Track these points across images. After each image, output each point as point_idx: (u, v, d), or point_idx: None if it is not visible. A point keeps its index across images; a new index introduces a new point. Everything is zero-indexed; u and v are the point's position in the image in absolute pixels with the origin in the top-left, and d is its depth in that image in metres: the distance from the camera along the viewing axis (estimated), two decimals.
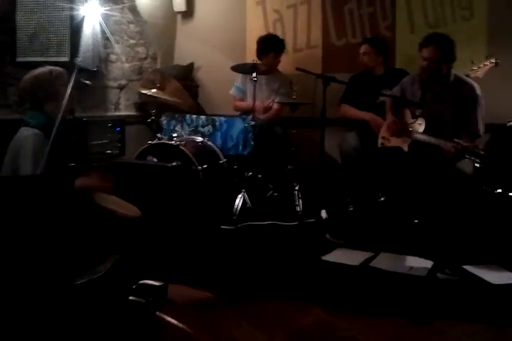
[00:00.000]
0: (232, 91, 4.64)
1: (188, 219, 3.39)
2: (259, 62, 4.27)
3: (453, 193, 3.30)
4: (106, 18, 4.02)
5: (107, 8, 3.97)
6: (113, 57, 4.54)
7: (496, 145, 3.71)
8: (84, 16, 3.66)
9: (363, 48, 4.24)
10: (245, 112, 4.55)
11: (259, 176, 4.10)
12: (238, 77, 4.57)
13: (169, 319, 2.28)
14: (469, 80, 3.49)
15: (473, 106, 3.43)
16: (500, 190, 3.36)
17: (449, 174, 3.34)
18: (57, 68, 2.54)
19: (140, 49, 4.90)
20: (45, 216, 2.06)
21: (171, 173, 3.44)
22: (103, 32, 4.05)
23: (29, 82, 2.45)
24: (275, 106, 4.42)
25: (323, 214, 3.81)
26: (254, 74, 4.03)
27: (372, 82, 4.17)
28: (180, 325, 2.25)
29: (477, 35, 4.15)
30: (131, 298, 2.27)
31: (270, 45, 4.48)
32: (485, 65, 3.46)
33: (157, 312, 2.31)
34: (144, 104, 4.78)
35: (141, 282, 2.40)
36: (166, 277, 2.67)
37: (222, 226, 3.70)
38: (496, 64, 3.39)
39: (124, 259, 2.18)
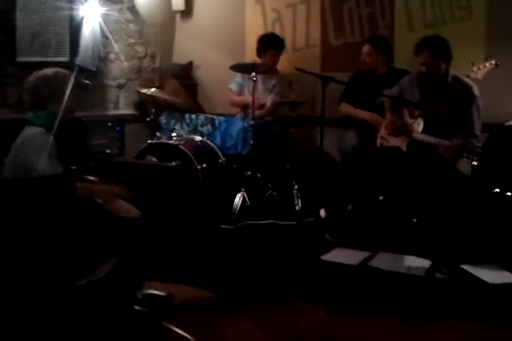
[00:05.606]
0: (231, 85, 4.64)
1: (187, 219, 3.40)
2: (258, 61, 4.27)
3: (451, 193, 3.32)
4: (105, 17, 4.02)
5: (106, 8, 3.98)
6: (112, 56, 4.54)
7: (495, 145, 3.72)
8: (83, 16, 3.67)
9: (365, 48, 4.20)
10: (243, 110, 4.57)
11: (258, 175, 4.11)
12: (238, 73, 4.58)
13: (174, 328, 2.29)
14: (467, 81, 3.50)
15: (469, 107, 3.45)
16: (498, 190, 3.37)
17: (447, 174, 3.36)
18: (63, 70, 2.51)
19: (139, 48, 4.90)
20: (47, 218, 2.07)
21: (171, 173, 3.45)
22: (102, 31, 4.05)
23: (35, 81, 2.42)
24: (268, 103, 4.43)
25: (322, 213, 3.82)
26: (253, 74, 4.03)
27: (375, 82, 4.15)
28: (185, 334, 2.27)
29: (476, 35, 4.13)
30: (136, 307, 2.29)
31: (270, 43, 4.50)
32: (485, 67, 3.46)
33: (162, 322, 2.33)
34: (143, 103, 4.79)
35: (146, 292, 2.44)
36: (167, 277, 2.71)
37: (222, 226, 3.72)
38: (497, 65, 3.40)
39: (123, 261, 2.19)
